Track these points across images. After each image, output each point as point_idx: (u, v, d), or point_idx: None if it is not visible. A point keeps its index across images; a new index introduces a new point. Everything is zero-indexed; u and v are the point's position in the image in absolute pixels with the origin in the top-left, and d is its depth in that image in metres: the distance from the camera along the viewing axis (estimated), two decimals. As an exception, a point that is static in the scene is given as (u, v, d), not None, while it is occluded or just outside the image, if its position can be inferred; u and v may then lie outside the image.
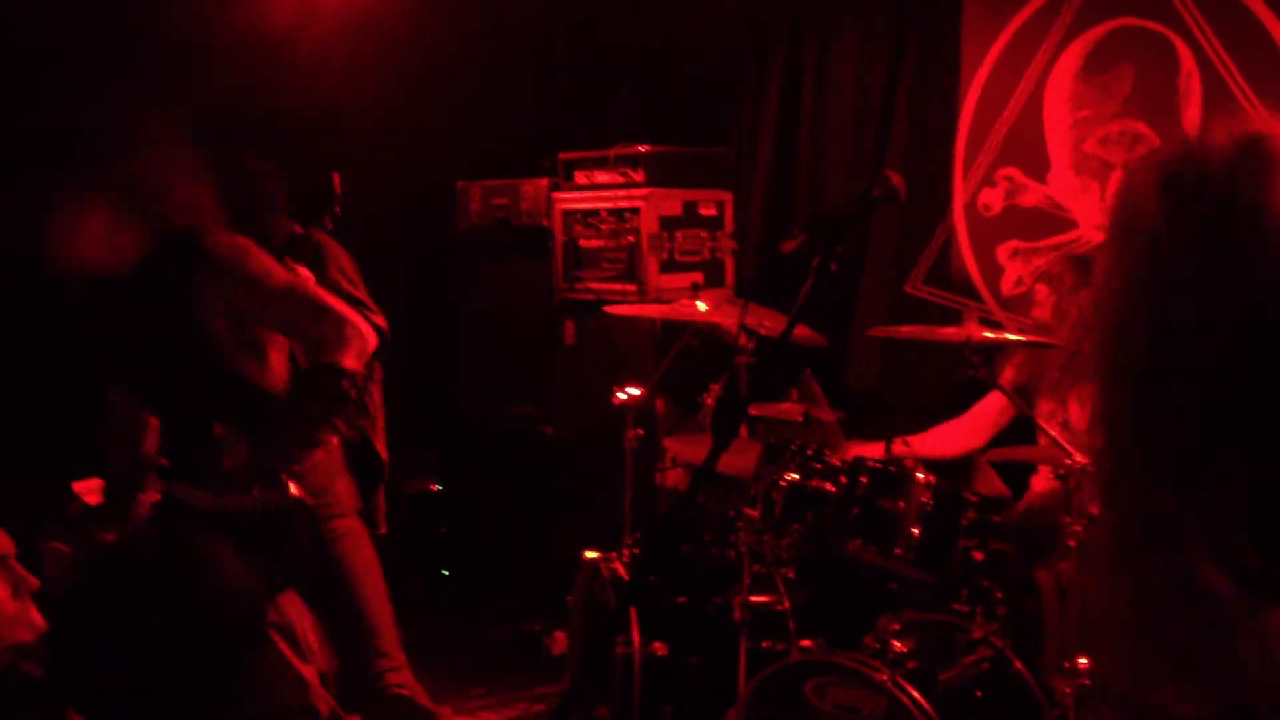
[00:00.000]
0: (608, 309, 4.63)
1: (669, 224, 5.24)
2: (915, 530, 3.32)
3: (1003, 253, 4.91)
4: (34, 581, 2.35)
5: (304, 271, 2.99)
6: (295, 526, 2.73)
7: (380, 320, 3.06)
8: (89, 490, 4.57)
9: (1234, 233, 1.22)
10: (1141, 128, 4.49)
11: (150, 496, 2.81)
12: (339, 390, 2.63)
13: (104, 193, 2.62)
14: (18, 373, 4.55)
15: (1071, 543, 3.17)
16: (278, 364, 2.78)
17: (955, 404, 4.35)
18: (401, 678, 3.25)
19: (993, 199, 4.94)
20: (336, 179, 3.83)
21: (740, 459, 3.66)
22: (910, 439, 4.04)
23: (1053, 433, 3.42)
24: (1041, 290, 4.08)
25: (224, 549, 2.68)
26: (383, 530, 4.17)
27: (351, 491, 2.92)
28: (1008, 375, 4.00)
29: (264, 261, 2.70)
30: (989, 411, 4.19)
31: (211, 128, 2.79)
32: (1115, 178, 4.57)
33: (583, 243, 5.41)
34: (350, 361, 2.69)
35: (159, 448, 2.84)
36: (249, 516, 2.72)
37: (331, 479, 2.86)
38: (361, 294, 3.43)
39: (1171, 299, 1.26)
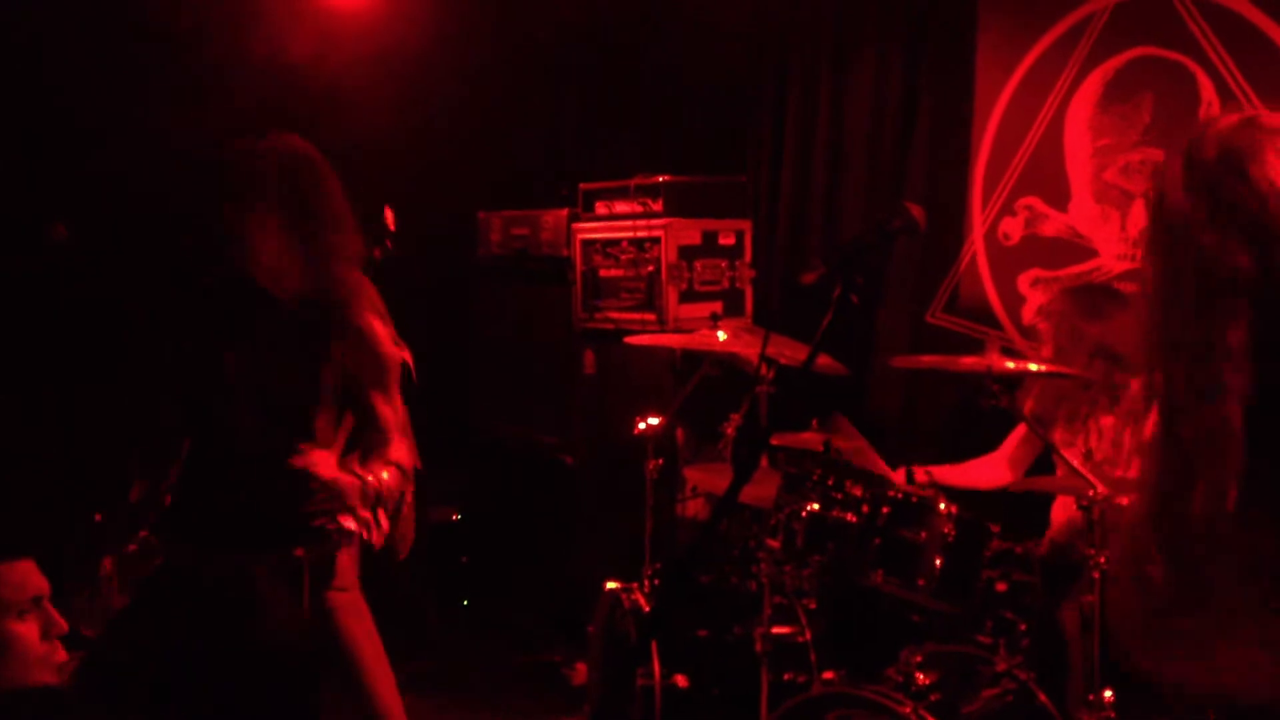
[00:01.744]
0: (627, 339, 4.63)
1: (688, 253, 5.25)
2: (938, 561, 3.30)
3: (1024, 282, 4.90)
4: (63, 625, 2.35)
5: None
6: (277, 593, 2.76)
7: (406, 355, 3.08)
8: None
9: (1229, 180, 1.58)
10: (1162, 156, 4.47)
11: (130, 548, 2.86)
12: (305, 490, 2.67)
13: (282, 223, 2.75)
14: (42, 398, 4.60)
15: (1095, 574, 3.15)
16: (329, 437, 2.85)
17: (976, 434, 4.33)
18: None
19: (1012, 228, 4.93)
20: (389, 212, 3.87)
21: (761, 489, 3.65)
22: (938, 469, 4.03)
23: (1074, 463, 3.40)
24: (1042, 326, 4.07)
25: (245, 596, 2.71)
26: (402, 557, 4.16)
27: (353, 564, 2.92)
28: (1028, 405, 3.98)
29: (396, 354, 2.86)
30: (1014, 442, 4.18)
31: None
32: (1136, 207, 4.56)
33: (602, 272, 5.43)
34: (398, 456, 2.80)
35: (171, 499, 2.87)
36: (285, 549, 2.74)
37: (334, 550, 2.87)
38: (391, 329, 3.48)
39: (1196, 240, 1.55)
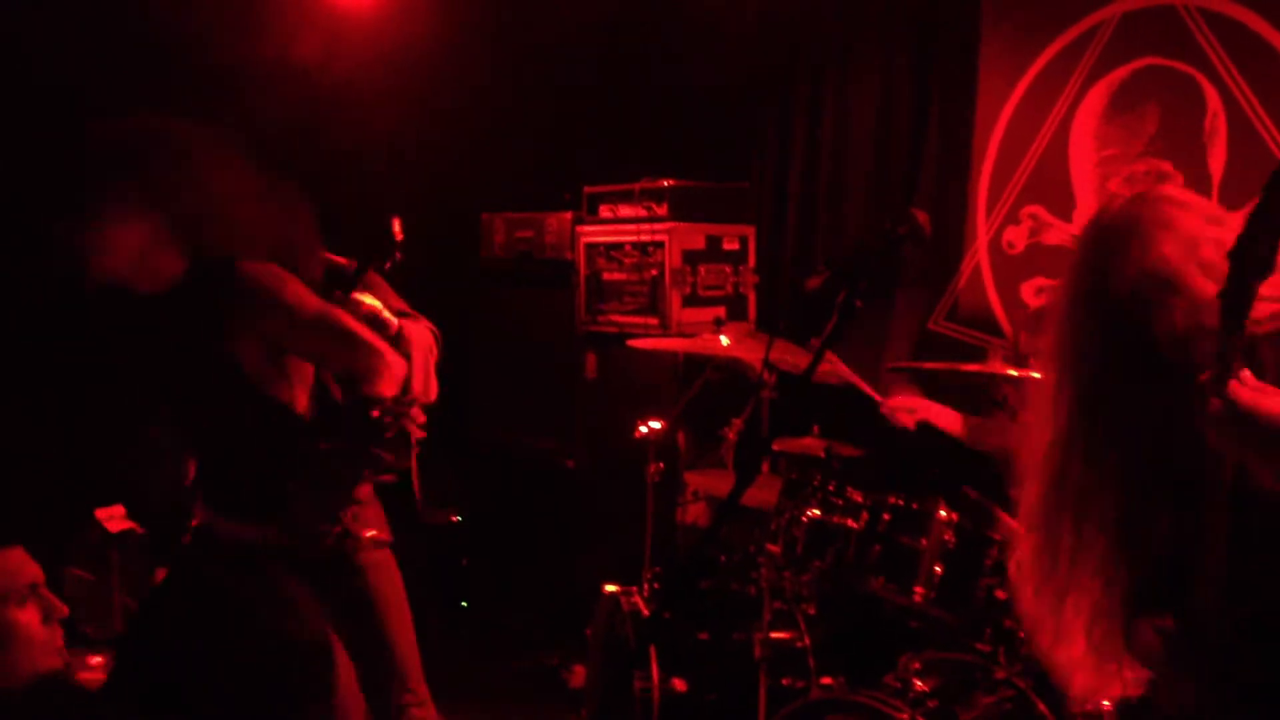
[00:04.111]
0: (630, 342, 4.63)
1: (692, 258, 5.25)
2: (937, 568, 3.30)
3: (1027, 290, 4.89)
4: (63, 608, 2.35)
5: (366, 302, 2.97)
6: (338, 561, 2.74)
7: (429, 324, 3.06)
8: (111, 517, 4.60)
9: (1101, 263, 1.83)
10: (1167, 167, 4.48)
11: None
12: (369, 421, 2.62)
13: (147, 211, 2.60)
14: (43, 398, 4.60)
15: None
16: (302, 401, 2.78)
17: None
18: (425, 713, 3.23)
19: (1016, 236, 4.93)
20: (398, 223, 3.87)
21: (762, 494, 3.65)
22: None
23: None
24: (1023, 338, 4.07)
25: (263, 590, 2.69)
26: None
27: (382, 522, 2.91)
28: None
29: (296, 289, 2.70)
30: None
31: (251, 155, 2.78)
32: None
33: (605, 276, 5.43)
34: (383, 388, 2.69)
35: (194, 480, 2.85)
36: (290, 550, 2.73)
37: (362, 509, 2.85)
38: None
39: (1079, 312, 1.89)
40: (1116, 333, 1.75)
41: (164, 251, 2.65)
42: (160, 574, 3.90)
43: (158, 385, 2.81)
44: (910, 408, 3.86)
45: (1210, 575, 1.52)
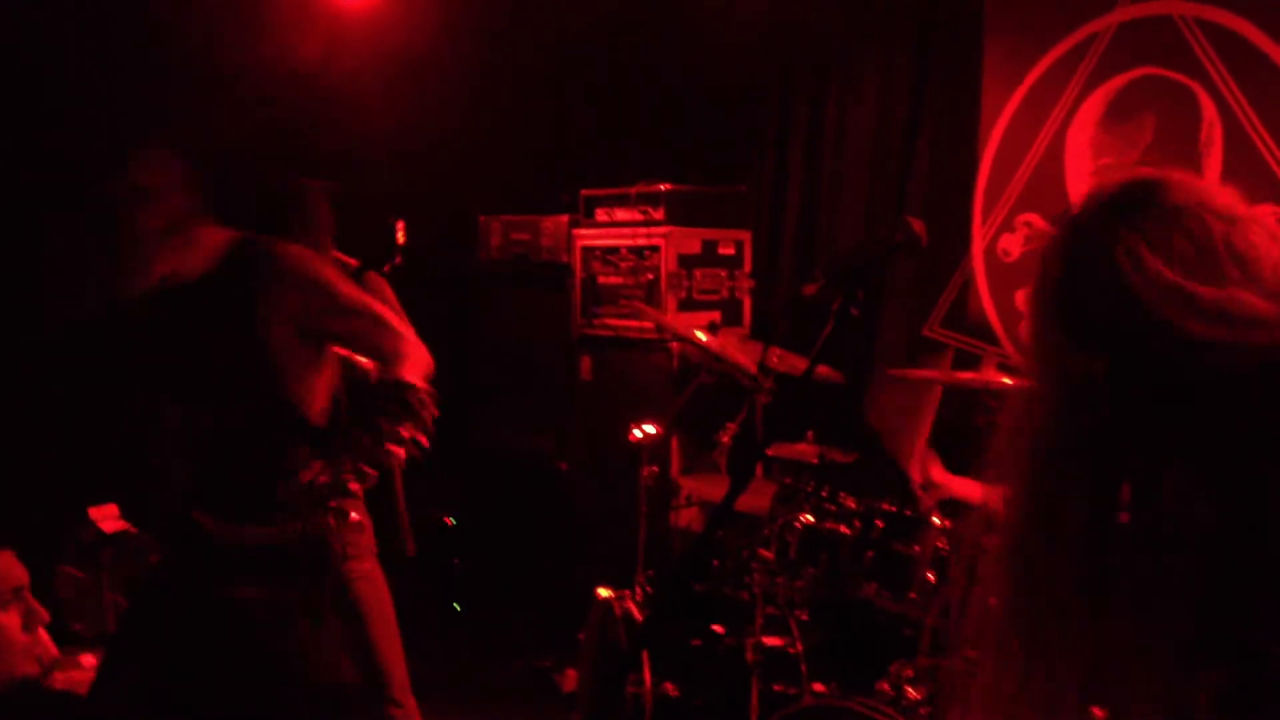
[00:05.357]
0: (625, 325, 4.63)
1: (688, 262, 5.26)
2: (930, 575, 3.30)
3: (1022, 298, 4.90)
4: (45, 614, 2.34)
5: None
6: (328, 559, 2.74)
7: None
8: (104, 517, 4.60)
9: (1081, 257, 1.37)
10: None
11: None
12: (405, 402, 2.65)
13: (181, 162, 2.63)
14: (44, 396, 4.60)
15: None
16: (324, 390, 2.79)
17: (974, 448, 4.32)
18: None
19: (1012, 244, 4.94)
20: (401, 227, 3.88)
21: (755, 499, 3.66)
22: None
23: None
24: None
25: (255, 593, 2.69)
26: (411, 552, 4.14)
27: (370, 533, 2.91)
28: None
29: (332, 270, 2.74)
30: None
31: (259, 148, 2.81)
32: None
33: (601, 279, 5.43)
34: (414, 376, 2.70)
35: (191, 480, 2.84)
36: (280, 549, 2.72)
37: (354, 503, 2.84)
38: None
39: (1052, 314, 1.38)
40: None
41: (200, 222, 2.65)
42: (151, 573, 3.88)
43: (174, 379, 2.80)
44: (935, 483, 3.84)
45: None
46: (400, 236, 3.73)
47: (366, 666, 2.85)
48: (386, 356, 2.73)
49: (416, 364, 2.74)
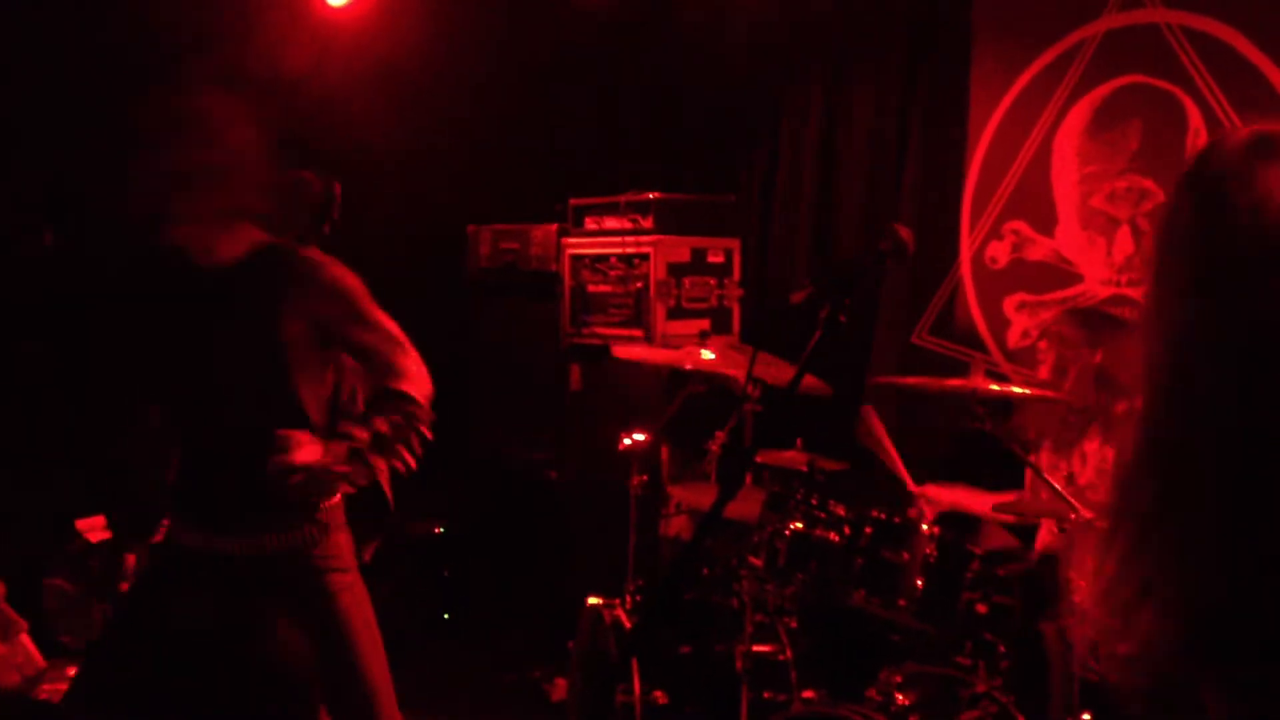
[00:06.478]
0: (616, 350, 4.64)
1: (677, 270, 5.26)
2: (919, 582, 3.31)
3: (1009, 305, 4.92)
4: (23, 624, 2.33)
5: None
6: (309, 582, 2.73)
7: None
8: (91, 528, 4.58)
9: (1226, 201, 1.38)
10: (1149, 184, 4.51)
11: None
12: (406, 414, 2.67)
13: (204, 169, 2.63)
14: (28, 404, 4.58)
15: (1076, 598, 3.16)
16: (322, 401, 2.80)
17: (963, 456, 4.34)
18: None
19: (999, 252, 4.96)
20: (338, 188, 3.88)
21: (744, 506, 3.66)
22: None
23: (1057, 486, 3.41)
24: (1043, 346, 4.09)
25: (234, 605, 2.68)
26: (366, 559, 4.14)
27: (351, 545, 2.90)
28: (1025, 427, 4.00)
29: (356, 281, 2.76)
30: None
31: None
32: (1122, 233, 4.59)
33: (590, 288, 5.43)
34: (416, 393, 2.73)
35: (172, 485, 2.83)
36: (262, 565, 2.72)
37: (335, 531, 2.83)
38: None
39: (1185, 261, 1.39)
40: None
41: (213, 225, 2.67)
42: (127, 573, 3.88)
43: (172, 369, 2.79)
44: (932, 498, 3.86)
45: None
46: (338, 197, 3.74)
47: (352, 681, 2.82)
48: (395, 372, 2.75)
49: (421, 384, 2.77)
